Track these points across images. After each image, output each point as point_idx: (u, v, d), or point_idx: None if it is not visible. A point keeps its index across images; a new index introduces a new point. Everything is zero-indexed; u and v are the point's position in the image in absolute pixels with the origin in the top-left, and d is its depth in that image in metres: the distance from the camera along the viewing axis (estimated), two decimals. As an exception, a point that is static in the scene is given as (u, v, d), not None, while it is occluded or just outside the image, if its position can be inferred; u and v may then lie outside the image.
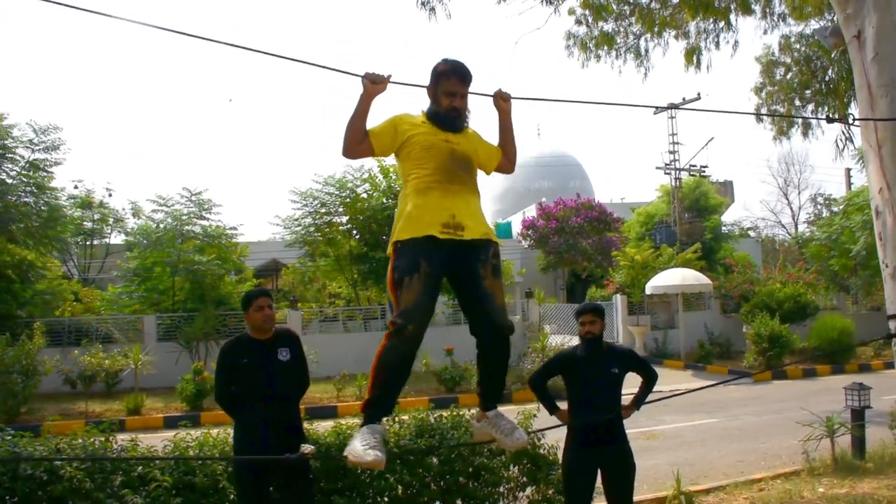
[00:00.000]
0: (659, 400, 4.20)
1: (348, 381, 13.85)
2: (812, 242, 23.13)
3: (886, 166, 4.07)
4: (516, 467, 5.37)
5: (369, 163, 19.00)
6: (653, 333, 20.28)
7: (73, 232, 22.38)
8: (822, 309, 21.15)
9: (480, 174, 3.35)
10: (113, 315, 17.73)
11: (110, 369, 13.90)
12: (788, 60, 11.52)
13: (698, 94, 23.98)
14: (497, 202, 38.38)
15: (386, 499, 4.92)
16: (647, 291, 19.28)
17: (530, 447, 5.34)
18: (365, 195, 18.79)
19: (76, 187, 24.26)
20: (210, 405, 12.23)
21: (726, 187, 35.84)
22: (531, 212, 28.81)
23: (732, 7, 9.16)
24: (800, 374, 16.52)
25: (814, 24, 9.92)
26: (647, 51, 9.69)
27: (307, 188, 19.13)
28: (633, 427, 8.61)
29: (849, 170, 28.32)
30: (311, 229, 19.48)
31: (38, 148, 16.44)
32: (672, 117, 25.50)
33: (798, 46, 11.23)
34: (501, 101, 3.42)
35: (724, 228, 28.42)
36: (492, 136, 3.50)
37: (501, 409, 3.26)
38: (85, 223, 24.60)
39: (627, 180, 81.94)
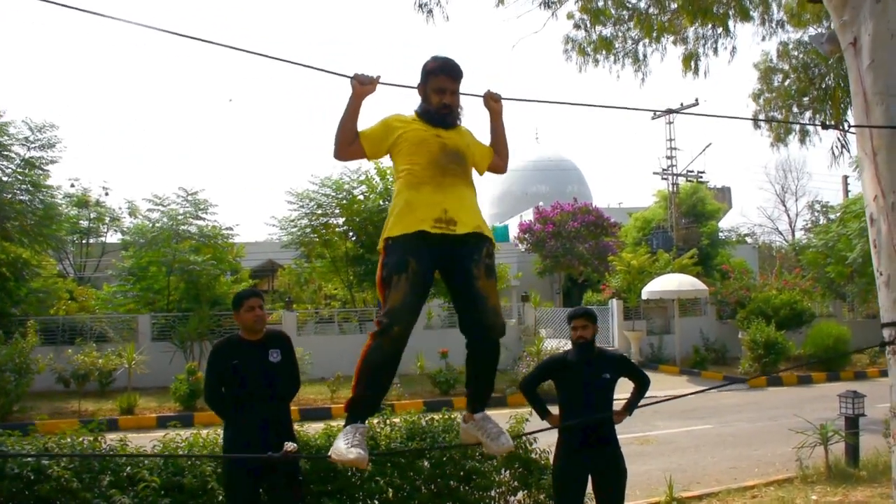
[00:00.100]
0: (653, 404, 4.16)
1: (343, 382, 13.81)
2: (809, 249, 23.13)
3: (881, 174, 4.05)
4: (508, 471, 5.34)
5: (366, 165, 19.01)
6: (648, 339, 20.28)
7: (69, 230, 22.32)
8: (818, 316, 21.16)
9: (474, 174, 3.32)
10: (107, 314, 17.69)
11: (104, 368, 13.84)
12: (787, 67, 11.53)
13: (696, 100, 24.03)
14: (494, 206, 38.42)
15: (376, 501, 4.89)
16: (644, 296, 19.28)
17: (522, 451, 5.32)
18: (361, 197, 18.77)
19: (73, 186, 24.23)
20: (204, 405, 12.18)
21: (724, 193, 35.89)
22: (528, 216, 28.84)
23: (731, 13, 9.14)
24: (795, 380, 16.53)
25: (812, 32, 9.91)
26: (645, 56, 9.67)
27: (304, 189, 19.13)
28: (627, 432, 8.62)
29: (846, 177, 28.37)
30: (308, 231, 19.45)
31: (33, 146, 16.40)
32: (670, 123, 25.53)
33: (796, 53, 11.23)
34: (492, 101, 3.40)
35: (721, 234, 28.45)
36: (485, 136, 3.48)
37: (496, 412, 3.24)
38: (81, 222, 24.54)
39: (625, 185, 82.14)
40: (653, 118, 25.64)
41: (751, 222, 55.49)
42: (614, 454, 4.45)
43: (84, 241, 25.21)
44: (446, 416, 5.36)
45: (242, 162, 73.03)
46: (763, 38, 10.04)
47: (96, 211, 24.98)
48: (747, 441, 10.09)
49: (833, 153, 10.57)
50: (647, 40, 9.47)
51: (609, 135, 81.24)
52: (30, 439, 4.63)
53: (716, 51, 9.53)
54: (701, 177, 27.59)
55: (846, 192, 27.94)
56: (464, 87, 3.22)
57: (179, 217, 18.09)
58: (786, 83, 11.52)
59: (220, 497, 4.45)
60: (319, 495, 4.71)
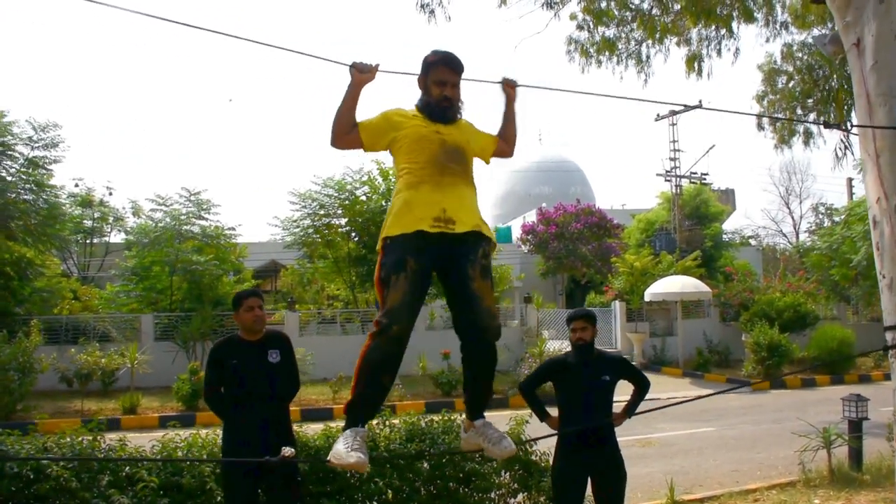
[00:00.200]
0: (656, 409, 4.13)
1: (345, 383, 13.79)
2: (813, 252, 23.05)
3: (884, 175, 4.03)
4: (508, 473, 5.32)
5: (368, 165, 19.02)
6: (651, 340, 20.23)
7: (73, 230, 22.35)
8: (822, 319, 21.09)
9: (480, 163, 3.31)
10: (110, 314, 17.71)
11: (107, 368, 13.87)
12: (790, 69, 11.49)
13: (700, 101, 23.93)
14: (497, 206, 38.38)
15: (375, 503, 4.88)
16: (646, 298, 19.24)
17: (522, 453, 5.30)
18: (364, 197, 18.78)
19: (77, 185, 24.28)
20: (206, 405, 12.20)
21: (728, 195, 35.78)
22: (531, 217, 28.77)
23: (734, 15, 9.12)
24: (798, 383, 16.46)
25: (816, 33, 9.88)
26: (648, 57, 9.65)
27: (306, 190, 19.15)
28: (629, 434, 8.60)
29: (850, 179, 28.28)
30: (310, 231, 19.46)
31: (37, 145, 16.42)
32: (673, 124, 25.47)
33: (800, 55, 11.19)
34: (509, 87, 3.42)
35: (724, 236, 28.35)
36: (490, 126, 3.49)
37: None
38: (85, 221, 24.57)
39: (628, 187, 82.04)
40: (656, 120, 25.56)
41: (755, 224, 55.22)
42: (613, 455, 4.42)
43: (88, 241, 25.25)
44: (446, 418, 5.34)
45: (245, 162, 73.18)
46: (767, 40, 10.01)
47: (100, 211, 25.03)
48: (750, 444, 10.05)
49: (837, 155, 10.53)
50: (650, 41, 9.45)
51: (612, 136, 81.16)
52: (29, 438, 4.62)
53: (719, 52, 9.51)
54: (704, 178, 27.52)
55: (850, 194, 27.85)
56: (468, 85, 3.21)
57: (182, 217, 18.10)
58: (790, 85, 11.49)
59: (219, 497, 4.44)
60: (318, 496, 4.70)
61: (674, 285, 18.63)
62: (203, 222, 18.61)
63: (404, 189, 3.01)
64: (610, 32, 9.42)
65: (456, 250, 2.93)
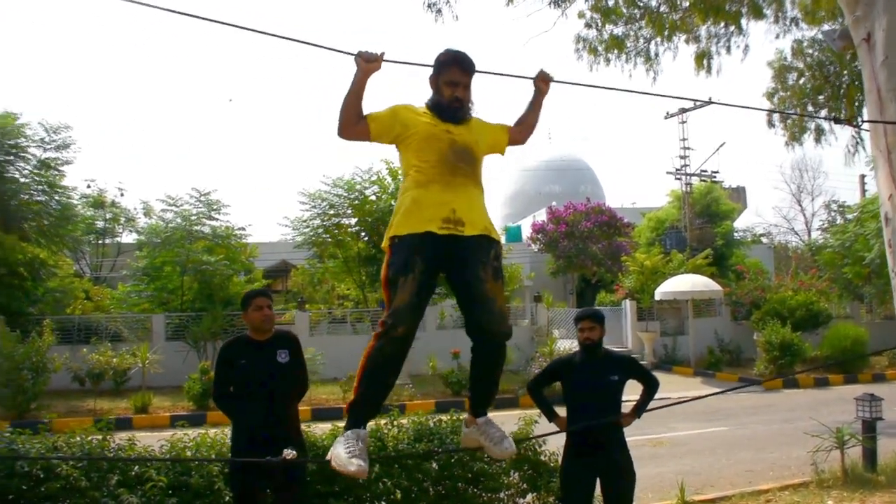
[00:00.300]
0: (665, 407, 4.09)
1: (355, 383, 13.81)
2: (825, 250, 22.89)
3: (896, 172, 3.98)
4: (517, 473, 5.30)
5: (377, 164, 19.05)
6: (662, 340, 20.14)
7: (85, 231, 22.53)
8: (834, 317, 20.90)
9: (490, 160, 3.30)
10: (122, 314, 17.83)
11: (118, 367, 13.96)
12: (801, 65, 11.41)
13: (710, 99, 23.78)
14: (507, 206, 38.33)
15: (384, 503, 4.87)
16: (657, 297, 19.15)
17: (531, 453, 5.28)
18: (373, 197, 18.80)
19: (89, 186, 24.47)
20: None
21: (739, 193, 35.56)
22: (541, 216, 28.72)
23: (744, 11, 9.06)
24: (811, 382, 16.33)
25: (826, 29, 9.80)
26: (657, 55, 9.60)
27: (316, 190, 19.19)
28: (640, 434, 8.56)
29: (863, 176, 28.06)
30: (320, 231, 19.51)
31: (49, 147, 16.59)
32: (683, 122, 25.34)
33: (811, 51, 11.12)
34: (542, 82, 3.45)
35: (735, 235, 28.18)
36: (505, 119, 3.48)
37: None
38: (97, 222, 24.78)
39: (638, 185, 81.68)
40: (665, 118, 25.45)
41: (766, 222, 54.99)
42: (622, 458, 4.39)
43: (100, 242, 25.44)
44: (454, 418, 5.33)
45: (256, 162, 73.42)
46: (777, 36, 9.96)
47: (112, 211, 25.21)
48: (762, 444, 9.97)
49: (848, 150, 10.45)
50: (658, 39, 9.41)
51: (622, 135, 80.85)
52: (39, 438, 4.65)
53: (728, 49, 9.45)
54: (715, 176, 27.35)
55: (863, 191, 27.64)
56: (486, 79, 3.20)
57: (193, 217, 18.20)
58: (800, 81, 11.41)
59: (227, 497, 4.45)
60: (326, 496, 4.70)
61: (684, 284, 18.53)
62: (213, 222, 18.73)
63: (413, 187, 2.99)
64: (618, 30, 9.38)
65: (465, 252, 2.91)
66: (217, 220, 18.77)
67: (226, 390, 4.29)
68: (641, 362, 7.30)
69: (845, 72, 10.21)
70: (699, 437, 10.46)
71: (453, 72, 3.10)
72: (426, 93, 3.22)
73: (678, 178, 25.96)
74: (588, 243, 25.72)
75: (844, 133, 12.08)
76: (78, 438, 4.63)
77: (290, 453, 3.61)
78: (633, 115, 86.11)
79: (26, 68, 71.06)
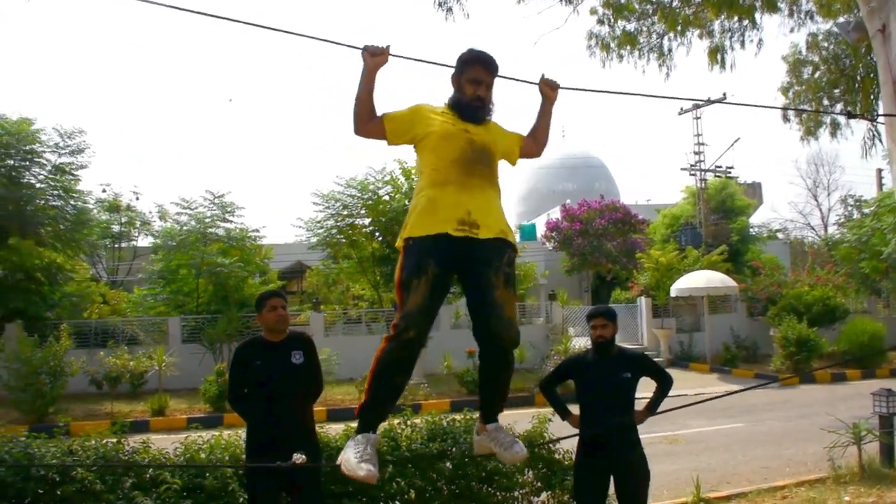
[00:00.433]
0: (681, 407, 4.05)
1: (369, 383, 13.84)
2: (842, 244, 22.66)
3: (912, 165, 3.93)
4: (531, 472, 5.28)
5: (390, 165, 19.05)
6: (678, 336, 20.04)
7: (101, 235, 22.70)
8: (851, 312, 20.71)
9: (505, 164, 3.26)
10: (138, 317, 17.95)
11: (135, 370, 14.06)
12: (816, 59, 11.31)
13: (724, 94, 23.62)
14: (521, 204, 38.25)
15: (398, 502, 4.87)
16: (672, 294, 19.05)
17: (545, 452, 5.26)
18: (387, 197, 18.81)
19: (104, 191, 24.70)
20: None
21: (754, 189, 35.30)
22: (555, 213, 28.62)
23: (757, 5, 8.99)
24: (828, 378, 16.17)
25: (841, 21, 9.70)
26: (670, 50, 9.56)
27: (329, 190, 19.21)
28: (655, 431, 8.51)
29: (880, 170, 27.77)
30: (334, 231, 19.53)
31: (63, 152, 16.72)
32: (697, 118, 25.17)
33: (826, 45, 11.02)
34: (548, 88, 3.38)
35: (751, 230, 27.98)
36: (518, 127, 3.44)
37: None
38: (113, 226, 24.95)
39: (652, 182, 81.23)
40: (679, 114, 25.32)
41: (782, 218, 54.48)
42: (636, 455, 4.36)
43: (116, 245, 25.65)
44: (468, 417, 5.32)
45: (270, 164, 73.73)
46: (791, 30, 9.87)
47: (127, 215, 25.41)
48: (779, 440, 9.89)
49: (865, 143, 10.34)
50: (671, 34, 9.36)
51: (636, 131, 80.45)
52: (55, 442, 4.68)
53: (742, 44, 9.40)
54: (730, 172, 27.18)
55: (880, 185, 27.34)
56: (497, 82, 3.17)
57: (207, 220, 18.27)
58: (815, 75, 11.31)
59: (241, 499, 4.46)
60: (340, 496, 4.70)
61: (700, 280, 18.41)
62: (228, 225, 18.77)
63: (428, 187, 2.97)
64: (631, 26, 9.35)
65: (480, 255, 2.88)
66: (231, 222, 18.85)
67: (240, 392, 4.30)
68: (655, 359, 7.24)
69: (860, 65, 10.10)
70: (715, 434, 10.40)
71: (477, 70, 3.08)
72: (432, 87, 3.23)
73: (693, 175, 25.82)
74: (602, 241, 25.61)
75: (861, 126, 11.99)
76: (93, 442, 4.66)
77: (299, 457, 3.61)
78: (646, 111, 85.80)
79: (39, 73, 71.81)
